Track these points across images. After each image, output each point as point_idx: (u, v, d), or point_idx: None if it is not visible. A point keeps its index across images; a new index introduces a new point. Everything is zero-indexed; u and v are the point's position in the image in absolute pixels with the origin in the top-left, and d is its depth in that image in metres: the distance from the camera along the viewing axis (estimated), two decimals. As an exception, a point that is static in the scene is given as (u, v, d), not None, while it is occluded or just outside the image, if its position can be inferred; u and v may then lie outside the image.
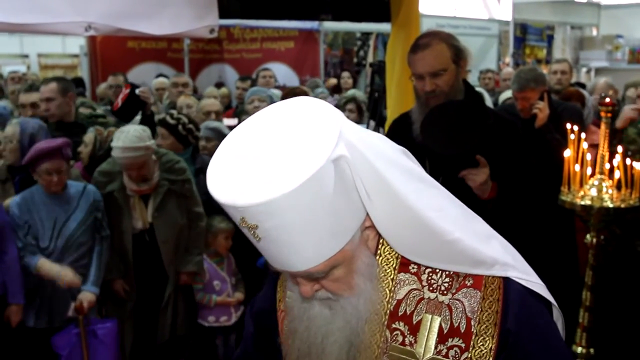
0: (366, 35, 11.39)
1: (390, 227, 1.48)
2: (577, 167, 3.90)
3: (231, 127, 4.61)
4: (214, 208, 4.52)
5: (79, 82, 9.29)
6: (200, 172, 4.73)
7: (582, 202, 3.86)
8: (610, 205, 3.81)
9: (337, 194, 1.37)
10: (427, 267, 1.53)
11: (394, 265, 1.55)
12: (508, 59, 11.68)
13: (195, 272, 4.43)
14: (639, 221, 4.13)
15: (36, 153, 3.89)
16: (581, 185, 3.92)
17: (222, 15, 4.88)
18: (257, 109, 5.40)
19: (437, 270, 1.52)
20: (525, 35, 12.03)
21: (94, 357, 4.05)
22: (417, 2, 5.45)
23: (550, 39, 12.36)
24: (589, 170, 3.92)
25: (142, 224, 4.27)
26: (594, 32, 12.82)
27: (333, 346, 1.51)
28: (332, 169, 1.34)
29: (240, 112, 6.37)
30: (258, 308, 1.83)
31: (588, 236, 3.99)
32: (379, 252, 1.56)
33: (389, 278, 1.55)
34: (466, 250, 1.48)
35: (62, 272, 3.89)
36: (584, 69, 11.91)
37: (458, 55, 3.18)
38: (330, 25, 9.12)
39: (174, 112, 4.94)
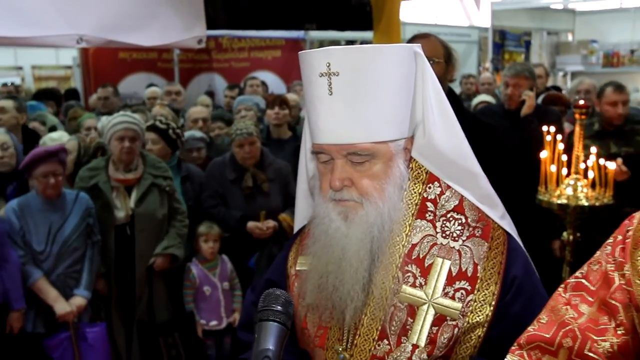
0: (350, 43, 11.40)
1: (434, 145, 1.63)
2: (554, 168, 3.93)
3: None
4: (199, 215, 4.58)
5: (73, 93, 9.24)
6: (186, 179, 4.73)
7: (559, 201, 3.89)
8: (586, 204, 3.84)
9: (407, 85, 1.61)
10: (442, 215, 1.63)
11: (412, 212, 1.64)
12: (488, 64, 11.72)
13: (169, 256, 4.35)
14: (609, 220, 4.15)
15: (33, 157, 3.90)
16: (558, 184, 3.94)
17: (210, 26, 4.89)
18: (243, 118, 5.42)
19: (450, 218, 1.62)
20: (503, 41, 12.08)
21: (84, 358, 4.06)
22: (398, 11, 5.48)
23: (527, 44, 12.42)
24: (564, 171, 3.95)
25: (124, 214, 4.25)
26: (570, 38, 12.89)
27: (353, 259, 1.57)
28: (412, 58, 1.62)
29: (216, 118, 6.34)
30: (265, 281, 1.86)
31: (565, 234, 4.02)
32: (408, 175, 1.66)
33: (406, 223, 1.63)
34: (485, 188, 1.69)
35: (57, 304, 3.93)
36: (560, 73, 11.98)
37: (449, 56, 3.41)
38: (315, 34, 9.13)
39: (161, 117, 4.92)
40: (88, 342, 4.07)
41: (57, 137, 4.90)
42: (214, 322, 4.53)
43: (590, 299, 1.38)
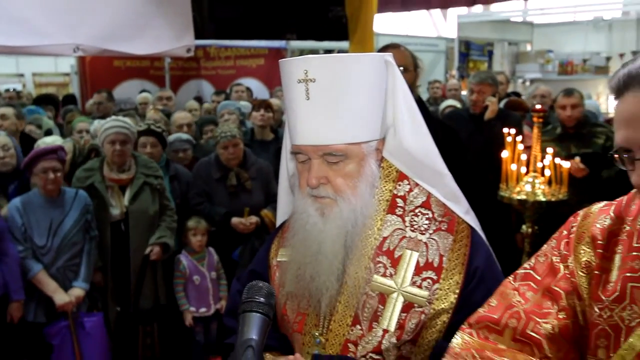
0: (328, 52, 11.40)
1: (403, 146, 1.64)
2: (514, 167, 3.95)
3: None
4: (187, 211, 4.57)
5: (71, 98, 9.20)
6: (174, 178, 4.72)
7: (519, 197, 3.91)
8: (543, 199, 3.87)
9: (379, 90, 1.62)
10: (411, 210, 1.64)
11: (383, 207, 1.64)
12: (454, 72, 11.76)
13: (162, 244, 4.33)
14: (564, 214, 4.19)
15: (34, 153, 3.90)
16: (518, 181, 3.97)
17: (198, 36, 4.89)
18: (227, 121, 5.44)
19: (418, 213, 1.63)
20: (468, 51, 12.12)
21: (83, 347, 4.03)
22: (372, 23, 5.49)
23: (490, 54, 12.47)
24: (523, 169, 3.98)
25: (119, 212, 4.24)
26: (528, 48, 12.96)
27: (328, 251, 1.58)
28: (383, 66, 1.62)
29: (205, 122, 6.32)
30: (249, 272, 1.86)
31: (524, 227, 4.05)
32: (380, 173, 1.66)
33: (378, 218, 1.63)
34: (451, 186, 1.69)
35: (56, 296, 3.91)
36: (520, 80, 12.03)
37: (416, 64, 3.51)
38: (296, 44, 9.09)
39: (151, 121, 4.90)
40: (86, 331, 4.04)
41: (51, 141, 4.87)
42: (203, 309, 4.52)
43: (535, 287, 1.40)
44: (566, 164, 3.88)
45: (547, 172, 3.89)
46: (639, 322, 1.22)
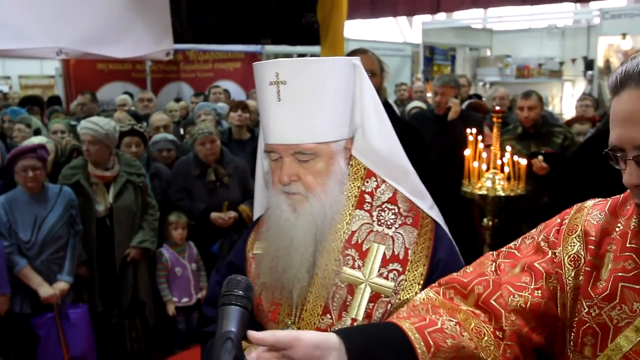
0: (302, 56, 11.37)
1: (371, 145, 1.63)
2: (476, 164, 3.98)
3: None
4: (168, 207, 4.55)
5: (55, 99, 9.09)
6: (155, 176, 4.68)
7: (480, 192, 3.94)
8: (502, 194, 3.91)
9: (347, 92, 1.60)
10: (378, 206, 1.63)
11: (352, 203, 1.63)
12: (419, 75, 11.83)
13: (142, 249, 4.31)
14: (523, 209, 4.24)
15: (14, 153, 3.87)
16: (479, 178, 4.00)
17: (177, 40, 4.84)
18: (203, 121, 5.45)
19: (385, 208, 1.62)
20: (432, 56, 12.19)
21: (68, 337, 3.99)
22: (342, 29, 5.49)
23: (453, 58, 12.56)
24: (484, 166, 4.01)
25: (104, 208, 4.21)
26: (488, 53, 13.08)
27: (299, 245, 1.56)
28: (351, 69, 1.61)
29: (189, 123, 6.29)
30: (227, 264, 1.84)
31: (485, 220, 4.08)
32: (348, 172, 1.65)
33: (347, 213, 1.62)
34: (415, 182, 1.68)
35: (41, 289, 3.86)
36: (480, 83, 12.14)
37: (382, 68, 3.51)
38: (270, 48, 9.07)
39: (134, 121, 4.86)
40: (71, 322, 4.00)
41: (38, 142, 4.80)
42: (185, 299, 4.53)
43: (516, 262, 1.36)
44: (524, 161, 3.92)
45: (506, 169, 3.92)
46: (627, 322, 1.17)
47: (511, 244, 1.42)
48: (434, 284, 1.40)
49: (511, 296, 1.28)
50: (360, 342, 1.16)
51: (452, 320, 1.24)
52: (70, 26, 4.20)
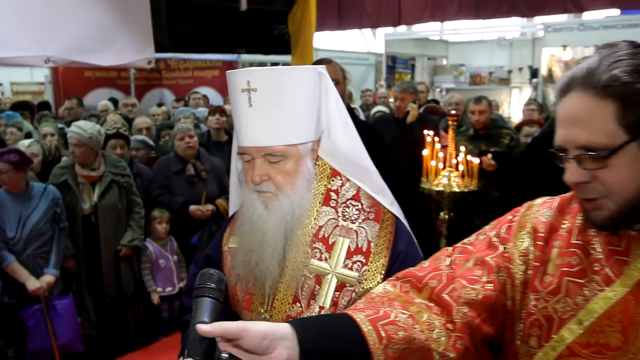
0: (275, 64, 11.33)
1: (336, 146, 1.62)
2: (433, 163, 4.01)
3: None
4: (149, 203, 4.53)
5: (45, 104, 8.94)
6: (137, 176, 4.63)
7: (437, 189, 3.97)
8: (457, 190, 3.94)
9: (313, 98, 1.59)
10: (343, 202, 1.62)
11: (319, 200, 1.62)
12: (382, 82, 11.87)
13: (133, 246, 4.33)
14: (476, 203, 4.29)
15: None
16: (436, 175, 4.03)
17: (159, 50, 4.79)
18: (184, 124, 5.43)
19: (349, 204, 1.61)
20: (394, 64, 12.25)
21: (55, 327, 3.95)
22: (312, 39, 5.48)
23: (412, 67, 12.64)
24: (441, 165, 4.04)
25: (89, 205, 4.18)
26: (444, 62, 13.19)
27: (270, 240, 1.55)
28: (317, 77, 1.60)
29: (164, 126, 6.23)
30: (204, 256, 1.82)
31: (442, 214, 4.10)
32: (315, 171, 1.64)
33: (314, 209, 1.60)
34: (377, 180, 1.67)
35: (29, 282, 3.83)
36: (438, 89, 12.24)
37: (345, 76, 3.51)
38: (246, 57, 9.01)
39: (119, 125, 4.84)
40: (57, 312, 3.95)
41: (28, 144, 4.74)
42: (169, 289, 4.54)
43: (470, 256, 1.33)
44: (476, 160, 3.96)
45: (461, 167, 3.96)
46: (571, 315, 1.15)
47: (465, 240, 1.39)
48: (391, 278, 1.37)
49: (464, 289, 1.25)
50: (313, 333, 1.12)
51: (405, 313, 1.20)
52: (58, 36, 4.13)
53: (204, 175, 4.56)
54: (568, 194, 1.28)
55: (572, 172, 1.12)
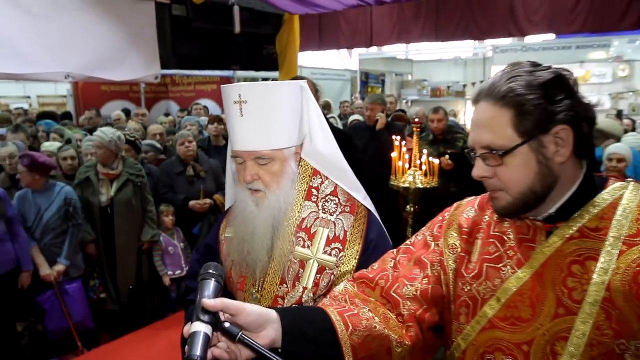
0: (265, 79, 11.29)
1: (317, 150, 1.61)
2: (400, 164, 4.00)
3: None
4: (157, 200, 4.50)
5: (67, 115, 8.80)
6: (148, 175, 4.59)
7: (404, 185, 3.96)
8: (421, 187, 3.93)
9: (296, 108, 1.57)
10: (323, 197, 1.60)
11: (302, 196, 1.60)
12: (357, 95, 11.87)
13: (152, 241, 4.34)
14: (437, 197, 4.29)
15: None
16: (403, 174, 4.02)
17: (165, 67, 4.76)
18: (189, 131, 5.41)
19: (328, 199, 1.60)
20: (367, 80, 12.26)
21: (69, 308, 3.95)
22: (296, 58, 5.46)
23: (383, 82, 12.66)
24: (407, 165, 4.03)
25: (106, 199, 4.16)
26: (410, 78, 13.24)
27: (260, 232, 1.53)
28: (299, 90, 1.58)
29: (169, 133, 6.17)
30: (204, 245, 1.81)
31: (408, 207, 4.10)
32: (299, 171, 1.62)
33: (298, 204, 1.59)
34: (352, 179, 1.64)
35: (42, 268, 3.83)
36: (404, 101, 12.26)
37: (316, 89, 3.50)
38: (240, 73, 8.95)
39: (127, 132, 4.81)
40: (70, 295, 3.95)
41: (48, 146, 4.70)
42: (178, 272, 4.52)
43: (411, 256, 1.35)
44: (436, 161, 3.96)
45: (424, 167, 3.96)
46: (491, 294, 1.18)
47: (408, 241, 1.41)
48: (350, 278, 1.39)
49: (405, 287, 1.27)
50: (293, 320, 1.14)
51: (365, 308, 1.24)
52: (76, 55, 4.08)
53: (203, 174, 4.54)
54: (487, 194, 1.29)
55: (478, 168, 1.15)
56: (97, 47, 4.18)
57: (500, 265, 1.19)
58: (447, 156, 4.35)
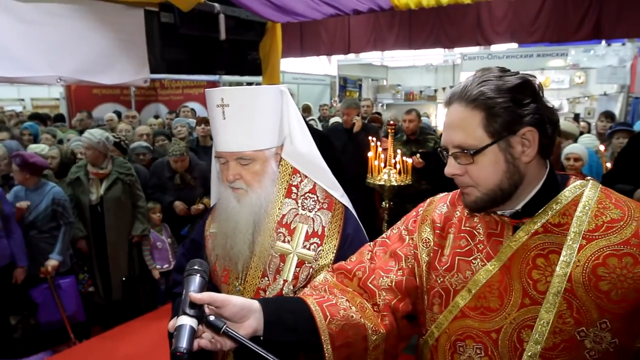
0: (249, 84, 11.20)
1: (296, 150, 1.58)
2: (376, 162, 4.01)
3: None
4: (146, 198, 4.43)
5: (60, 117, 8.64)
6: (137, 174, 4.50)
7: (380, 183, 3.97)
8: (395, 184, 3.95)
9: (276, 111, 1.54)
10: (302, 195, 1.58)
11: (283, 193, 1.58)
12: (336, 99, 11.87)
13: (142, 235, 4.27)
14: (408, 194, 4.32)
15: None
16: (378, 172, 4.03)
17: (153, 71, 4.67)
18: (179, 132, 5.35)
19: (307, 197, 1.58)
20: (345, 84, 12.27)
21: (62, 301, 3.89)
22: (279, 64, 5.42)
23: (360, 86, 12.69)
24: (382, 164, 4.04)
25: (95, 197, 4.10)
26: (385, 82, 13.29)
27: (242, 227, 1.52)
28: (279, 94, 1.55)
29: (157, 133, 6.06)
30: (190, 240, 1.79)
31: (384, 203, 4.11)
32: (279, 170, 1.59)
33: (279, 201, 1.57)
34: (330, 177, 1.62)
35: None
36: (380, 104, 12.31)
37: (292, 94, 3.36)
38: (226, 77, 8.87)
39: (114, 134, 4.74)
40: (62, 289, 3.88)
41: (34, 147, 4.60)
42: (166, 266, 4.46)
43: (386, 249, 1.35)
44: (410, 160, 3.98)
45: (398, 166, 3.97)
46: (462, 285, 1.19)
47: (384, 234, 1.41)
48: (329, 269, 1.40)
49: (381, 278, 1.28)
50: (273, 310, 1.14)
51: (343, 298, 1.24)
52: (67, 59, 3.98)
53: (192, 182, 4.45)
54: (459, 190, 1.29)
55: (450, 166, 1.15)
56: (88, 52, 4.08)
57: (471, 258, 1.19)
58: (418, 155, 4.38)
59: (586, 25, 6.44)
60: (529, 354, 1.07)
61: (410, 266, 1.28)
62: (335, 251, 1.53)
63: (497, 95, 1.07)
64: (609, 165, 3.94)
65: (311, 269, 1.52)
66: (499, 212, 1.17)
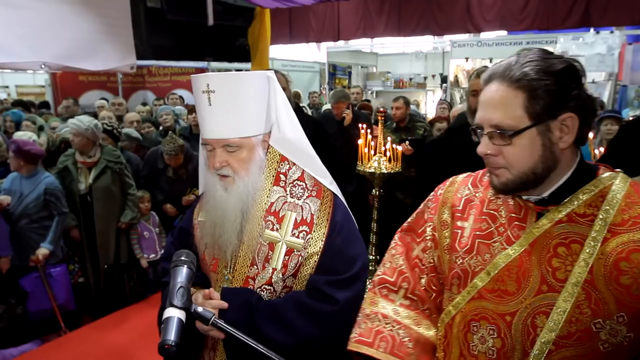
0: (238, 70, 11.04)
1: (284, 137, 1.56)
2: (366, 150, 3.99)
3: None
4: (138, 186, 4.38)
5: (45, 104, 8.50)
6: (127, 162, 4.44)
7: (370, 170, 3.96)
8: (385, 172, 3.94)
9: (263, 97, 1.51)
10: (290, 182, 1.56)
11: (271, 181, 1.56)
12: (325, 86, 11.81)
13: (130, 223, 4.22)
14: (397, 181, 4.32)
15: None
16: (369, 160, 4.01)
17: (140, 57, 4.60)
18: (165, 120, 5.26)
19: (295, 184, 1.56)
20: (335, 71, 12.19)
21: (53, 290, 3.84)
22: (267, 50, 5.36)
23: (349, 73, 12.62)
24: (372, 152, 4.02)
25: (85, 186, 4.03)
26: (374, 70, 13.23)
27: (230, 216, 1.50)
28: (266, 80, 1.52)
29: (145, 120, 5.99)
30: (179, 228, 1.77)
31: (374, 190, 4.11)
32: (267, 157, 1.57)
33: (267, 189, 1.55)
34: (318, 164, 1.62)
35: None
36: (369, 91, 12.27)
37: (287, 80, 3.41)
38: (214, 64, 8.76)
39: (105, 121, 4.63)
40: (53, 278, 3.83)
41: (21, 134, 4.52)
42: (152, 255, 4.43)
43: (410, 251, 1.38)
44: (399, 148, 3.96)
45: (388, 153, 3.95)
46: (481, 268, 1.19)
47: (410, 219, 1.43)
48: (370, 287, 1.42)
49: (419, 282, 1.33)
50: None
51: (401, 329, 1.30)
52: (51, 45, 3.90)
53: (184, 175, 4.39)
54: (481, 171, 1.30)
55: (484, 145, 1.13)
56: (72, 36, 4.00)
57: (491, 241, 1.19)
58: (407, 142, 4.37)
59: (575, 13, 6.46)
60: (543, 340, 1.07)
61: (434, 260, 1.33)
62: (324, 239, 1.52)
63: (542, 77, 1.05)
64: (597, 152, 3.97)
65: (300, 257, 1.51)
66: (524, 197, 1.16)
